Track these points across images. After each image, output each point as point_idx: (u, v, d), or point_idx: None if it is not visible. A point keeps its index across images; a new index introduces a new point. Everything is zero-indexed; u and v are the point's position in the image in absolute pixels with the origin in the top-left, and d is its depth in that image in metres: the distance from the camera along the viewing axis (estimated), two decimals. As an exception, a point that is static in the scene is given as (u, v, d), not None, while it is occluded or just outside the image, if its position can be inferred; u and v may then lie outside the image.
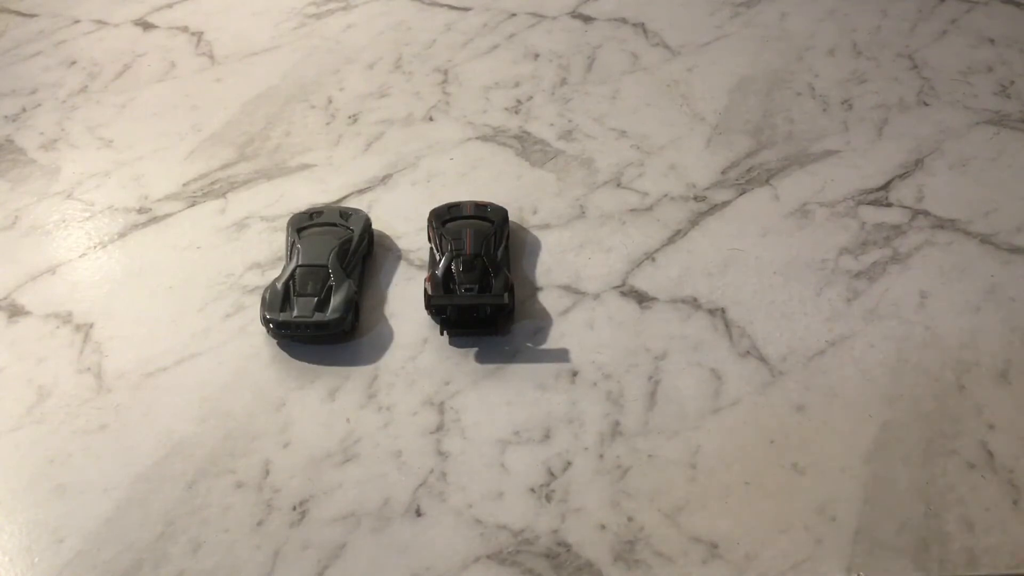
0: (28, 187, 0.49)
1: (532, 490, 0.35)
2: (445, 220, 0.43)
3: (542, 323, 0.41)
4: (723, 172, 0.48)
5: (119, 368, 0.39)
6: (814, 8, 0.61)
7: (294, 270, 0.41)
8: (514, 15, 0.61)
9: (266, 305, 0.40)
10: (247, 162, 0.50)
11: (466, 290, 0.40)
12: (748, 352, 0.39)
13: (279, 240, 0.44)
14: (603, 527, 0.33)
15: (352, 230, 0.43)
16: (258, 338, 0.40)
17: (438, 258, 0.42)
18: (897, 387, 0.38)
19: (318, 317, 0.39)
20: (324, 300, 0.40)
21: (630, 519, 0.34)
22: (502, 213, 0.44)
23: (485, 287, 0.40)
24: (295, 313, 0.40)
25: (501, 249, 0.43)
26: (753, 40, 0.59)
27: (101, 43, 0.61)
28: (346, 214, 0.44)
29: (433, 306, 0.40)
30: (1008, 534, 0.33)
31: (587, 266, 0.43)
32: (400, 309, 0.42)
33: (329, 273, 0.41)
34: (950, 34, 0.59)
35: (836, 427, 0.36)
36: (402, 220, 0.46)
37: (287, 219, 0.45)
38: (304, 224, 0.44)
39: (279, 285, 0.41)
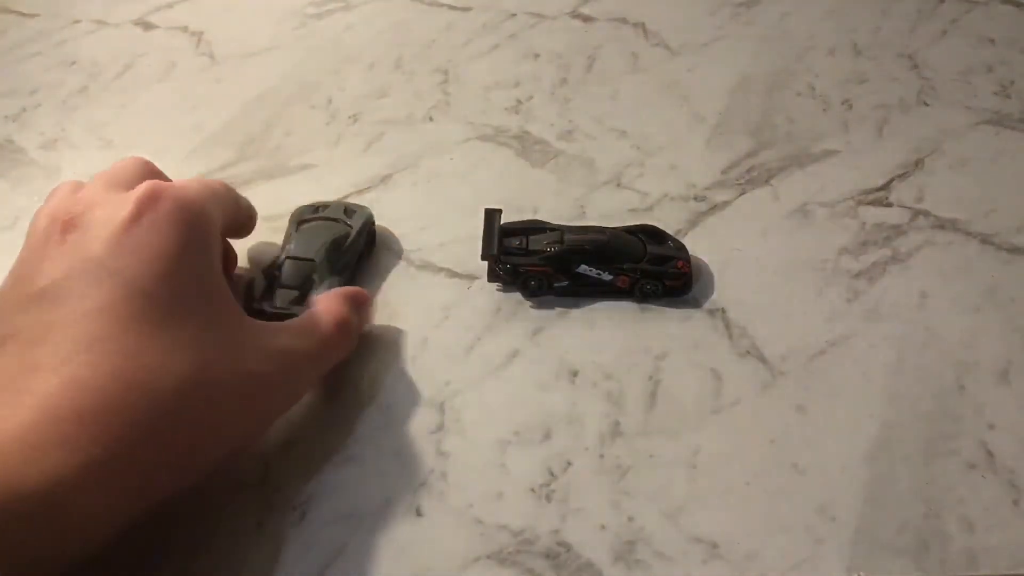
0: (28, 187, 0.49)
1: (532, 490, 0.35)
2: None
3: (542, 323, 0.41)
4: (723, 172, 0.48)
5: (119, 368, 0.39)
6: (814, 8, 0.61)
7: (283, 261, 0.41)
8: (514, 15, 0.61)
9: (249, 292, 0.40)
10: (247, 162, 0.50)
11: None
12: (748, 352, 0.39)
13: (279, 240, 0.44)
14: (603, 527, 0.33)
15: (351, 227, 0.43)
16: (258, 338, 0.40)
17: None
18: (897, 387, 0.38)
19: (296, 311, 0.38)
20: (304, 294, 0.40)
21: (630, 519, 0.34)
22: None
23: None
24: (276, 304, 0.39)
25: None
26: (753, 40, 0.59)
27: (101, 43, 0.61)
28: (351, 210, 0.44)
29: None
30: (1008, 534, 0.33)
31: (587, 266, 0.43)
32: (400, 309, 0.42)
33: (315, 267, 0.41)
34: (950, 34, 0.59)
35: (836, 427, 0.36)
36: (402, 220, 0.46)
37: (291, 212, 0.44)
38: (306, 217, 0.44)
39: (263, 274, 0.40)
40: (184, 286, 0.31)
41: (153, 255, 0.31)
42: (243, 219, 0.41)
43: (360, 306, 0.39)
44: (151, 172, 0.38)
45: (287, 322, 0.36)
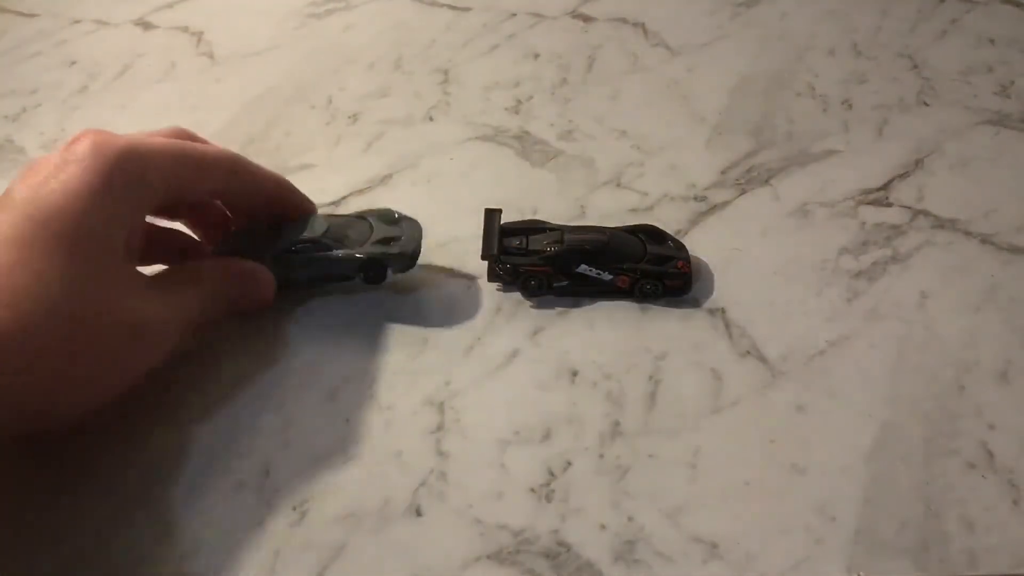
0: (28, 187, 0.49)
1: (532, 490, 0.35)
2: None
3: (542, 323, 0.41)
4: (723, 172, 0.48)
5: (119, 368, 0.39)
6: (814, 8, 0.61)
7: (279, 224, 0.41)
8: (514, 15, 0.62)
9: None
10: (247, 162, 0.50)
11: None
12: (748, 352, 0.39)
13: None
14: (603, 527, 0.33)
15: (349, 253, 0.41)
16: (257, 339, 0.40)
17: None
18: (897, 387, 0.38)
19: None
20: (234, 248, 0.41)
21: (630, 519, 0.34)
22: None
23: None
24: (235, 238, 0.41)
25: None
26: (753, 40, 0.59)
27: (101, 43, 0.61)
28: (390, 240, 0.41)
29: None
30: (1008, 534, 0.33)
31: (587, 266, 0.43)
32: (399, 309, 0.42)
33: (268, 244, 0.41)
34: (950, 34, 0.59)
35: (836, 427, 0.36)
36: (402, 220, 0.46)
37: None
38: (366, 216, 0.43)
39: (264, 228, 0.41)
40: (76, 222, 0.32)
41: (54, 189, 0.32)
42: (249, 191, 0.40)
43: (242, 281, 0.40)
44: (182, 136, 0.39)
45: (167, 277, 0.37)
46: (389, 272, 0.41)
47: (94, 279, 0.32)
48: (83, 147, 0.33)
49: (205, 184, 0.38)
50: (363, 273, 0.41)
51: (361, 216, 0.43)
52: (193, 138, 0.40)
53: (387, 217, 0.43)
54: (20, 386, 0.30)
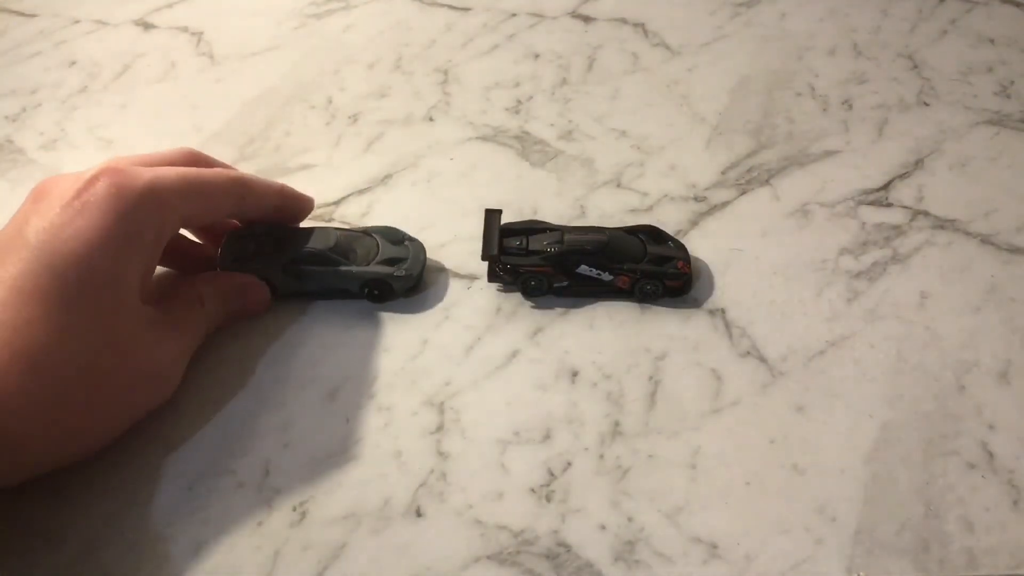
0: (28, 187, 0.49)
1: (532, 490, 0.35)
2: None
3: (542, 323, 0.41)
4: (723, 172, 0.48)
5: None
6: (814, 8, 0.61)
7: (286, 232, 0.41)
8: (514, 15, 0.62)
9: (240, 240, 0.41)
10: (247, 162, 0.50)
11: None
12: (748, 352, 0.39)
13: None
14: (603, 527, 0.33)
15: (350, 270, 0.40)
16: (257, 339, 0.40)
17: None
18: (897, 387, 0.38)
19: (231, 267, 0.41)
20: (239, 253, 0.41)
21: (630, 519, 0.34)
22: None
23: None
24: (227, 255, 0.41)
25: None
26: (753, 40, 0.59)
27: (101, 43, 0.61)
28: (393, 262, 0.41)
29: None
30: (1008, 534, 0.33)
31: (587, 266, 0.43)
32: (399, 310, 0.42)
33: (273, 258, 0.40)
34: (950, 34, 0.59)
35: (836, 427, 0.36)
36: (402, 220, 0.46)
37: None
38: (383, 232, 0.43)
39: (260, 230, 0.41)
40: (95, 272, 0.31)
41: (72, 235, 0.31)
42: (257, 210, 0.40)
43: (238, 295, 0.40)
44: (190, 159, 0.39)
45: (172, 305, 0.37)
46: (394, 292, 0.41)
47: (113, 329, 0.32)
48: (102, 188, 0.32)
49: (216, 213, 0.38)
50: (369, 290, 0.41)
51: (367, 232, 0.43)
52: (199, 161, 0.40)
53: (393, 236, 0.43)
54: (41, 436, 0.30)
